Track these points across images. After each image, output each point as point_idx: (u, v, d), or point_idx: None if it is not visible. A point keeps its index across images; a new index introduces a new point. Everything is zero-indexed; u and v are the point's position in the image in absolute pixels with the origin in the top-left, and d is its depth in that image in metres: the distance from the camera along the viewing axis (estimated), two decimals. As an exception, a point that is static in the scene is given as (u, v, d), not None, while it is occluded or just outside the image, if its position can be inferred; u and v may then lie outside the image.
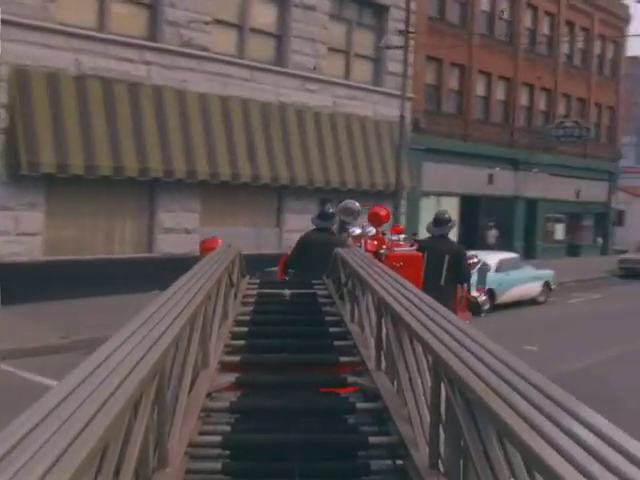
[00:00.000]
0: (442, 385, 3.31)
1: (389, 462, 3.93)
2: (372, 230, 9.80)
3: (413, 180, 28.78)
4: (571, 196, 40.57)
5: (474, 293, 11.30)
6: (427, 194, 31.44)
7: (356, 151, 26.45)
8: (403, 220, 26.73)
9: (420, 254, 9.09)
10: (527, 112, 37.92)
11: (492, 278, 19.57)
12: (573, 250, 41.25)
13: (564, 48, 39.83)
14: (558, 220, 40.70)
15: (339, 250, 7.73)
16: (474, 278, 11.85)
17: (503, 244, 33.66)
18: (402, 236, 10.25)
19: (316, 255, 8.93)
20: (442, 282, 9.36)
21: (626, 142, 51.27)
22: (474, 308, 10.38)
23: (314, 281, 8.35)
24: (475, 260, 11.55)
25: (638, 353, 15.97)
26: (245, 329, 6.32)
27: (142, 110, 19.92)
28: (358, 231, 9.56)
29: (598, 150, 42.92)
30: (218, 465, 3.76)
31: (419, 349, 4.00)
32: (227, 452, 3.92)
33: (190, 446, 3.77)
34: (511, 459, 2.53)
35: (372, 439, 4.00)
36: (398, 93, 26.74)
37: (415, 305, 4.31)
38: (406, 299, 4.53)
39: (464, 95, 33.57)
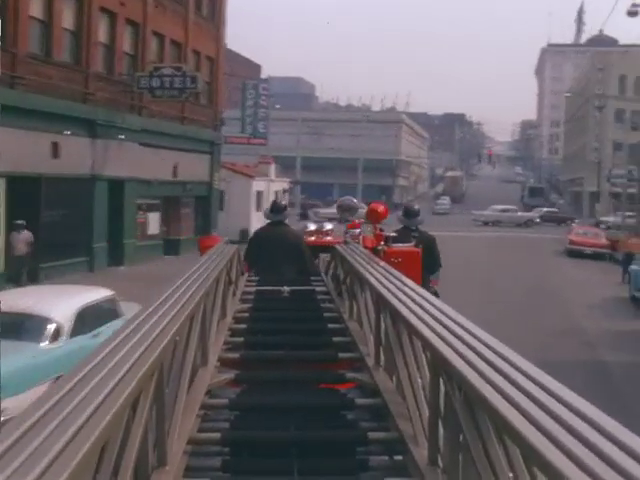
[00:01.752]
0: (441, 381, 3.31)
1: (388, 458, 3.95)
2: (328, 225, 10.41)
3: None
4: (168, 174, 30.08)
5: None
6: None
7: None
8: None
9: (418, 250, 8.82)
10: (107, 52, 26.26)
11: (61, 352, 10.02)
12: (171, 247, 30.75)
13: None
14: (152, 207, 29.89)
15: (338, 247, 7.91)
16: None
17: (79, 248, 23.64)
18: (357, 231, 10.00)
19: (273, 250, 8.80)
20: None
21: (229, 116, 42.18)
22: None
23: (312, 277, 8.46)
24: None
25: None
26: (244, 326, 6.32)
27: None
28: (313, 227, 10.01)
29: (198, 113, 32.93)
30: (217, 462, 3.76)
31: (418, 345, 4.00)
32: (226, 449, 3.92)
33: (189, 443, 3.76)
34: (510, 455, 2.54)
35: (371, 435, 4.00)
36: None
37: (414, 301, 4.31)
38: (405, 295, 4.53)
39: (9, 13, 20.78)
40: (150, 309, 3.86)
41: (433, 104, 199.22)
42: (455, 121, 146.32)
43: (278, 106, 68.00)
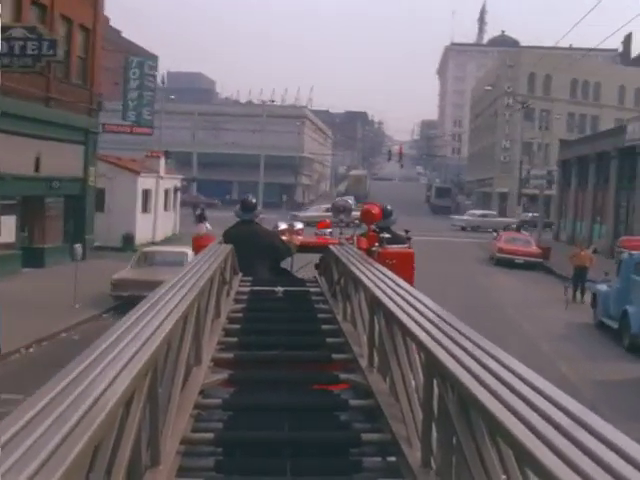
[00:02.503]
0: (434, 382, 3.30)
1: (381, 459, 3.94)
2: (298, 225, 10.06)
3: None
4: (28, 168, 24.32)
5: None
6: None
7: None
8: None
9: (412, 251, 9.08)
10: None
11: None
12: (34, 257, 24.98)
13: None
14: (6, 209, 24.04)
15: (331, 248, 7.90)
16: None
17: None
18: (328, 230, 10.26)
19: (245, 248, 8.46)
20: None
21: (110, 108, 36.28)
22: None
23: (306, 278, 8.54)
24: None
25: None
26: (238, 326, 6.31)
27: None
28: (284, 225, 9.76)
29: (68, 94, 27.07)
30: (210, 462, 3.76)
31: (412, 346, 3.98)
32: (220, 449, 3.92)
33: (183, 443, 3.74)
34: (503, 456, 2.52)
35: (364, 436, 4.00)
36: None
37: (408, 302, 4.30)
38: (399, 296, 4.53)
39: None
40: (144, 308, 3.86)
41: (334, 102, 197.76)
42: (357, 119, 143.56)
43: (173, 97, 62.49)
